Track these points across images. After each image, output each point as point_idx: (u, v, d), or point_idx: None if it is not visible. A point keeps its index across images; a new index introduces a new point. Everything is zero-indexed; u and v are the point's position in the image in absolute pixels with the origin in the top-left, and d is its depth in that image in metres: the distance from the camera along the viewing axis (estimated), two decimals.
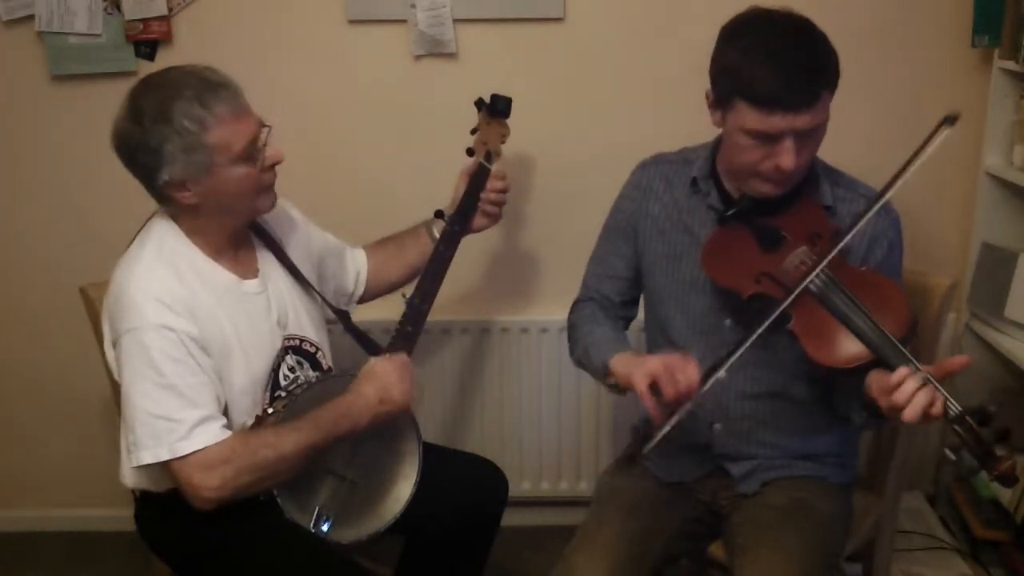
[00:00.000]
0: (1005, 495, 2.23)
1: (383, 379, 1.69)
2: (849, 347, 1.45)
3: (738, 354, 1.50)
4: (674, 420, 1.47)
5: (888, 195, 1.51)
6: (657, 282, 1.74)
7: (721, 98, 1.55)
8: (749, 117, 1.49)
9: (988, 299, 2.24)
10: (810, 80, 1.47)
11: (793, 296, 1.49)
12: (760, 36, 1.49)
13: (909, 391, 1.34)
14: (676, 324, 1.71)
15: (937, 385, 1.34)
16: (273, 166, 1.64)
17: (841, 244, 1.51)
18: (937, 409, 1.33)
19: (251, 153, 1.59)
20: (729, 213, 1.62)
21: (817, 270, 1.49)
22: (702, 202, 1.68)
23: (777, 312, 1.50)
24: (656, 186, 1.74)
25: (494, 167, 1.94)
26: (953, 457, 1.33)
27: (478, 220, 1.92)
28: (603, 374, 1.66)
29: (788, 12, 1.53)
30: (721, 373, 1.49)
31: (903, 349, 1.40)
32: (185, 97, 1.53)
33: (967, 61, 2.27)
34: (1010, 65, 2.14)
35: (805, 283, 1.49)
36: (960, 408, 1.32)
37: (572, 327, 1.83)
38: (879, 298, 1.48)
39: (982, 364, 2.33)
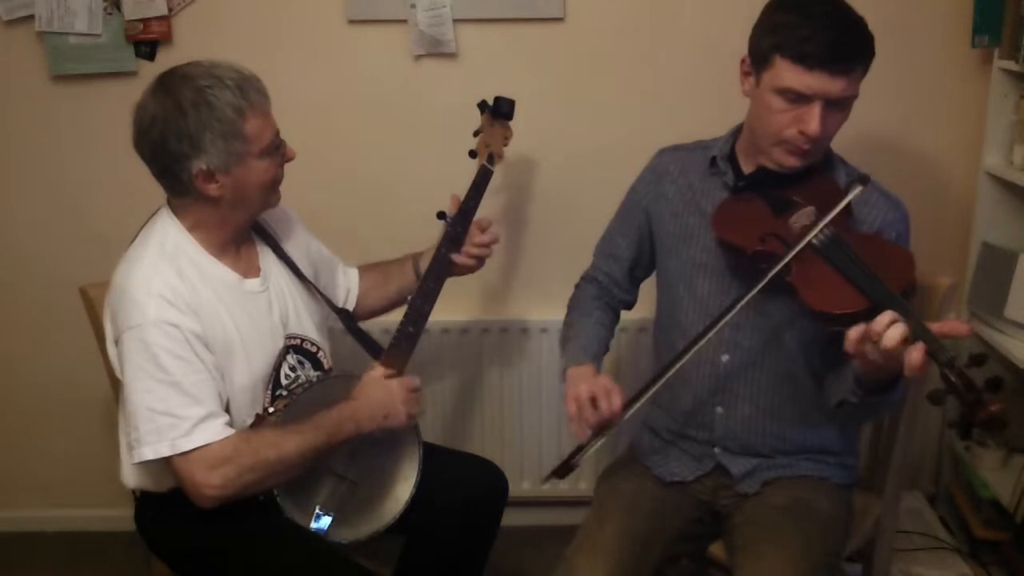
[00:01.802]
0: (1005, 495, 2.22)
1: (395, 395, 1.71)
2: (844, 294, 1.46)
3: (665, 379, 1.57)
4: (598, 443, 1.58)
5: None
6: (669, 263, 1.77)
7: (759, 59, 1.57)
8: (787, 74, 1.52)
9: (988, 299, 2.24)
10: (852, 46, 1.52)
11: (794, 252, 1.51)
12: (809, 2, 1.54)
13: (884, 322, 1.34)
14: (684, 305, 1.73)
15: (929, 332, 1.33)
16: (284, 163, 1.67)
17: (846, 201, 1.54)
18: (918, 355, 1.31)
19: (275, 147, 1.62)
20: (742, 183, 1.67)
21: (822, 224, 1.52)
22: (718, 182, 1.71)
23: (776, 269, 1.52)
24: (672, 170, 1.78)
25: (494, 168, 1.93)
26: (935, 404, 1.35)
27: (461, 262, 1.86)
28: (561, 377, 1.73)
29: None
30: (643, 400, 1.58)
31: (899, 298, 1.40)
32: (227, 86, 1.55)
33: (967, 61, 2.27)
34: (1010, 65, 2.14)
35: (808, 238, 1.52)
36: (951, 353, 1.33)
37: (569, 308, 1.90)
38: (882, 256, 1.50)
39: None
